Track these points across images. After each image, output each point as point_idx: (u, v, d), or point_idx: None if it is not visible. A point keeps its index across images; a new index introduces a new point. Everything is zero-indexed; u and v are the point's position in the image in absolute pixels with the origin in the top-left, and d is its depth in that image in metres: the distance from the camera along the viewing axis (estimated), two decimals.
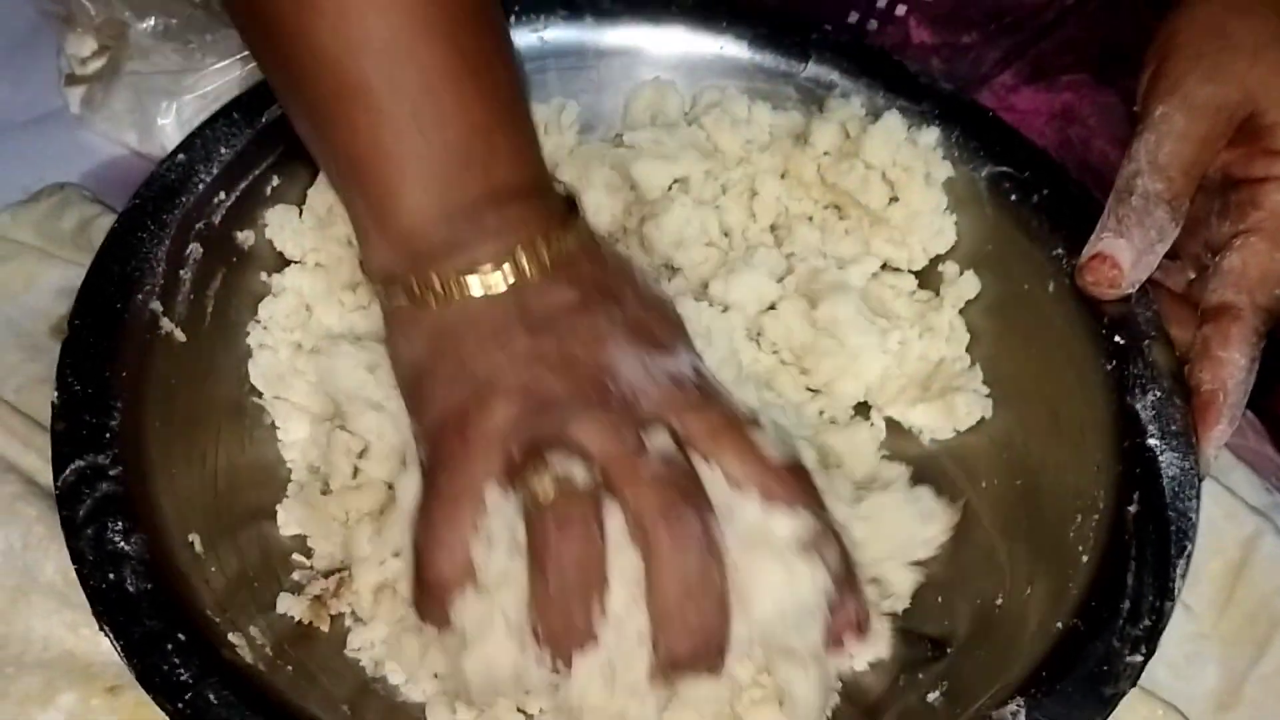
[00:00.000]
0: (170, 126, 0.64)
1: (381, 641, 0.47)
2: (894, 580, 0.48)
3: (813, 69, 0.59)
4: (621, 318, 0.45)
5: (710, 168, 0.57)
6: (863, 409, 0.55)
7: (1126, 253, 0.50)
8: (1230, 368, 0.49)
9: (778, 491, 0.43)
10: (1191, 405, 0.50)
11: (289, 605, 0.47)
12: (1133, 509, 0.45)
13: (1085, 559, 0.45)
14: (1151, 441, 0.47)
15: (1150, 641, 0.42)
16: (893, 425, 0.55)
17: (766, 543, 0.42)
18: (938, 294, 0.56)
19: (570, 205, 0.48)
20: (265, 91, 0.53)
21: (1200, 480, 0.48)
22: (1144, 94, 0.53)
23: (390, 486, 0.50)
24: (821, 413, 0.54)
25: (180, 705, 0.38)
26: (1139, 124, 0.52)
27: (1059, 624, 0.43)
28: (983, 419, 0.54)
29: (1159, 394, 0.48)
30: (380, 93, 0.44)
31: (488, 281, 0.44)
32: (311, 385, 0.52)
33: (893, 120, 0.56)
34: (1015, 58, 0.66)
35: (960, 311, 0.56)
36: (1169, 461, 0.47)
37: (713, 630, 0.42)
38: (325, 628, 0.47)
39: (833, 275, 0.55)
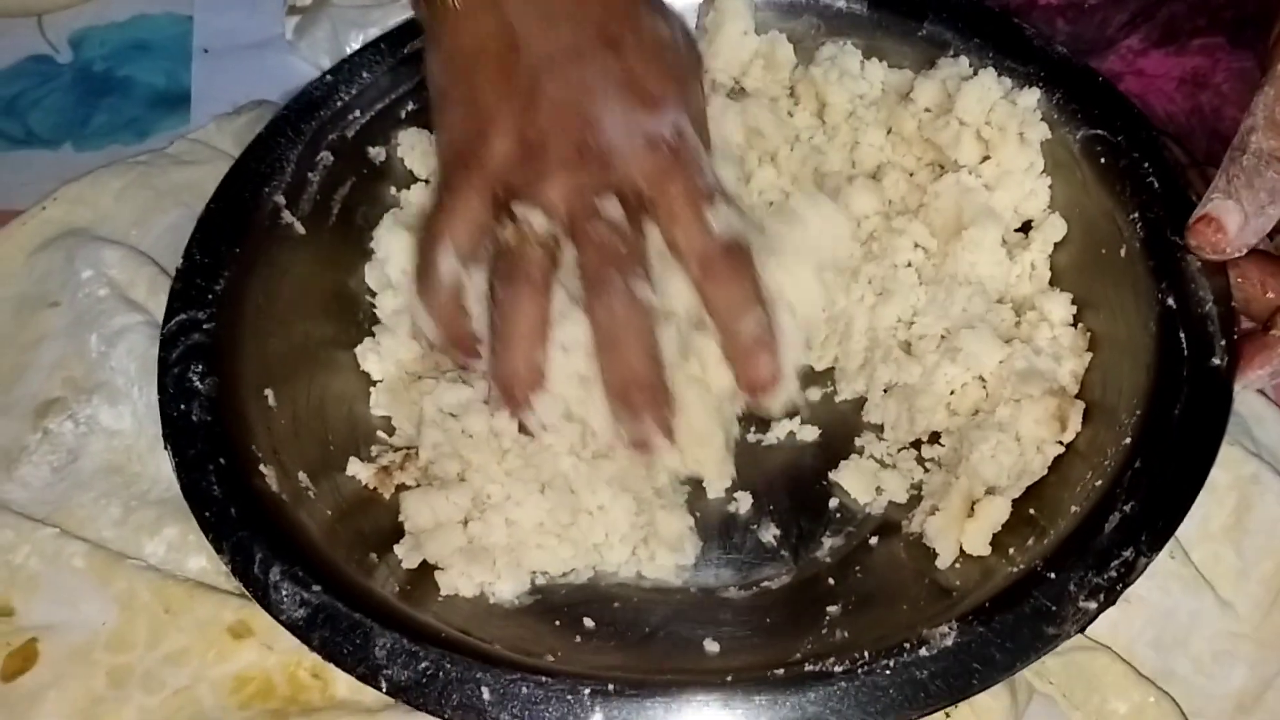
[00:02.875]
0: None
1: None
2: None
3: (929, 28, 0.60)
4: (615, 70, 0.49)
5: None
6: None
7: (1233, 215, 0.48)
8: None
9: (712, 266, 0.48)
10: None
11: (357, 469, 0.53)
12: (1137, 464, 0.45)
13: (1074, 509, 0.45)
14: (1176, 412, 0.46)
15: (1110, 592, 0.41)
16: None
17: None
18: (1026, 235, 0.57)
19: None
20: (410, 27, 0.60)
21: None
22: (1271, 44, 0.50)
23: (465, 383, 0.56)
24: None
25: (207, 515, 0.45)
26: (1261, 78, 0.49)
27: (1019, 566, 0.44)
28: None
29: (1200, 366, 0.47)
30: None
31: None
32: None
33: (987, 78, 0.56)
34: (1144, 20, 0.64)
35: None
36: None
37: (637, 373, 0.48)
38: (388, 495, 0.53)
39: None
